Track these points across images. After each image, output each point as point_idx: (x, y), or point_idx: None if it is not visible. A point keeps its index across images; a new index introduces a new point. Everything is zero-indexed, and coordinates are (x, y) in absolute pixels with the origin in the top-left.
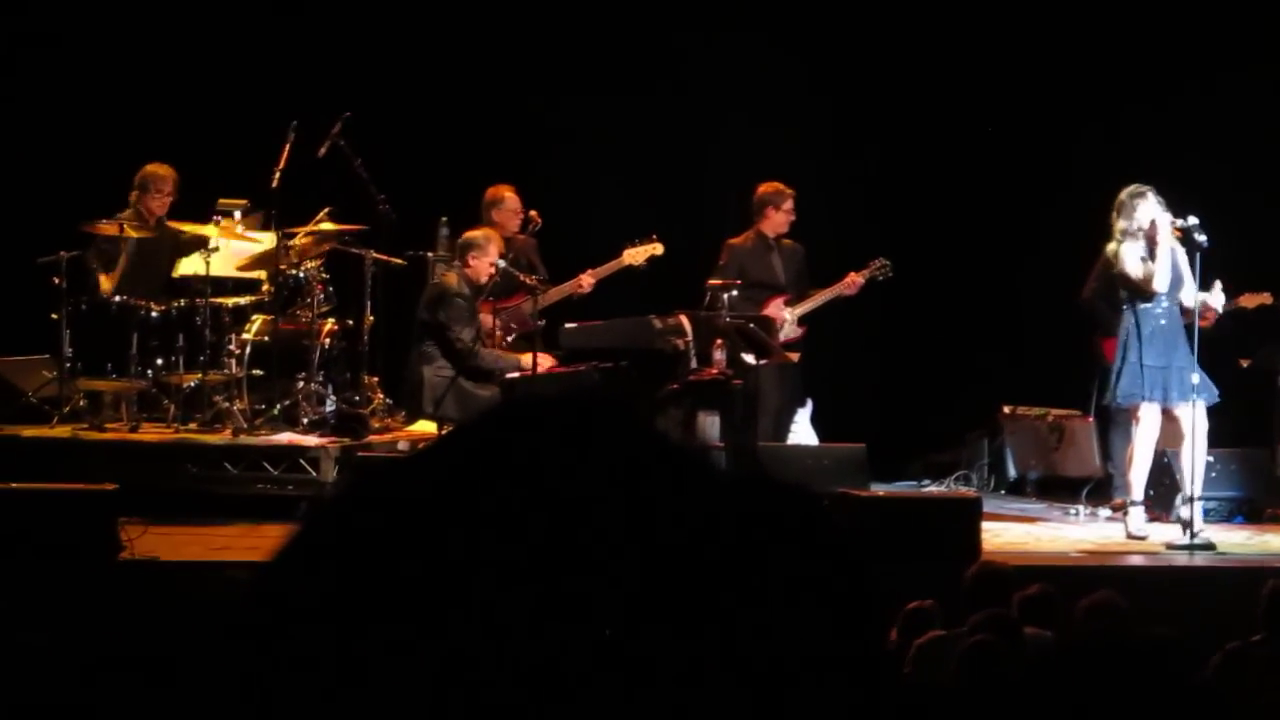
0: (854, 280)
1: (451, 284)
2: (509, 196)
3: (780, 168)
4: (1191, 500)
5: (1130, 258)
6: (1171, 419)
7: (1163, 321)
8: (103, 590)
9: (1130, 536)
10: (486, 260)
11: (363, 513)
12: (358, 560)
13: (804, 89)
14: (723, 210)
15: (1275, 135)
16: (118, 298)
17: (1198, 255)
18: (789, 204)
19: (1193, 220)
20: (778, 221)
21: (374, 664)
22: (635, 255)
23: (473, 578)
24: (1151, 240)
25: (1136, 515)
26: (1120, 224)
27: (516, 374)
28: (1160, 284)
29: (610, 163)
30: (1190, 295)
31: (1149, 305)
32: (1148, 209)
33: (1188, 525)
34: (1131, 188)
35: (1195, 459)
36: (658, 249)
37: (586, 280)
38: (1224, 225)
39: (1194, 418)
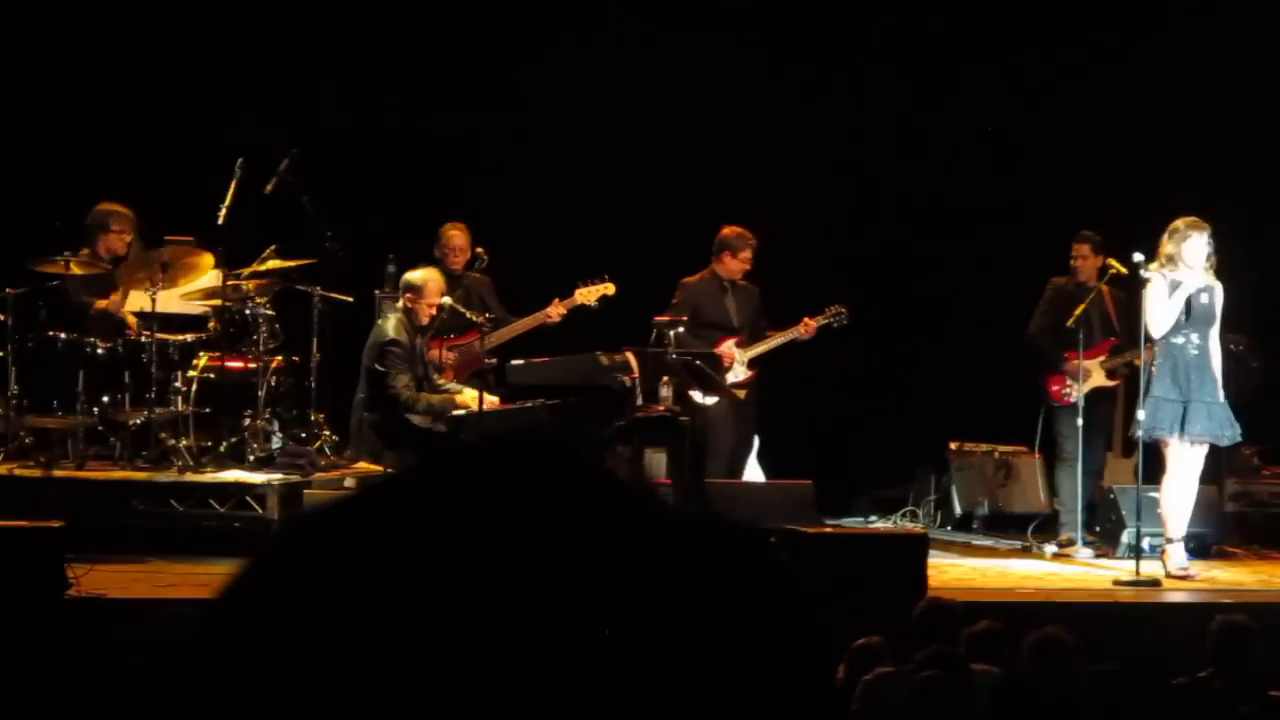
0: (808, 325)
1: (386, 331)
2: (452, 234)
3: (735, 209)
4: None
5: (1154, 293)
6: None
7: (1193, 353)
8: (49, 628)
9: (1170, 575)
10: (425, 302)
11: (308, 552)
12: (302, 599)
13: (761, 131)
14: (674, 248)
15: (1222, 170)
16: (64, 335)
17: (1143, 292)
18: (747, 253)
19: (1138, 257)
20: (732, 267)
21: (316, 703)
22: (587, 295)
23: (417, 619)
24: (1174, 281)
25: (1176, 553)
26: (1167, 249)
27: (463, 411)
28: (1156, 331)
29: (563, 199)
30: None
31: (1177, 340)
32: (1191, 246)
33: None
34: (1191, 219)
35: (1185, 496)
36: (609, 289)
37: (555, 310)
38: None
39: (1164, 453)
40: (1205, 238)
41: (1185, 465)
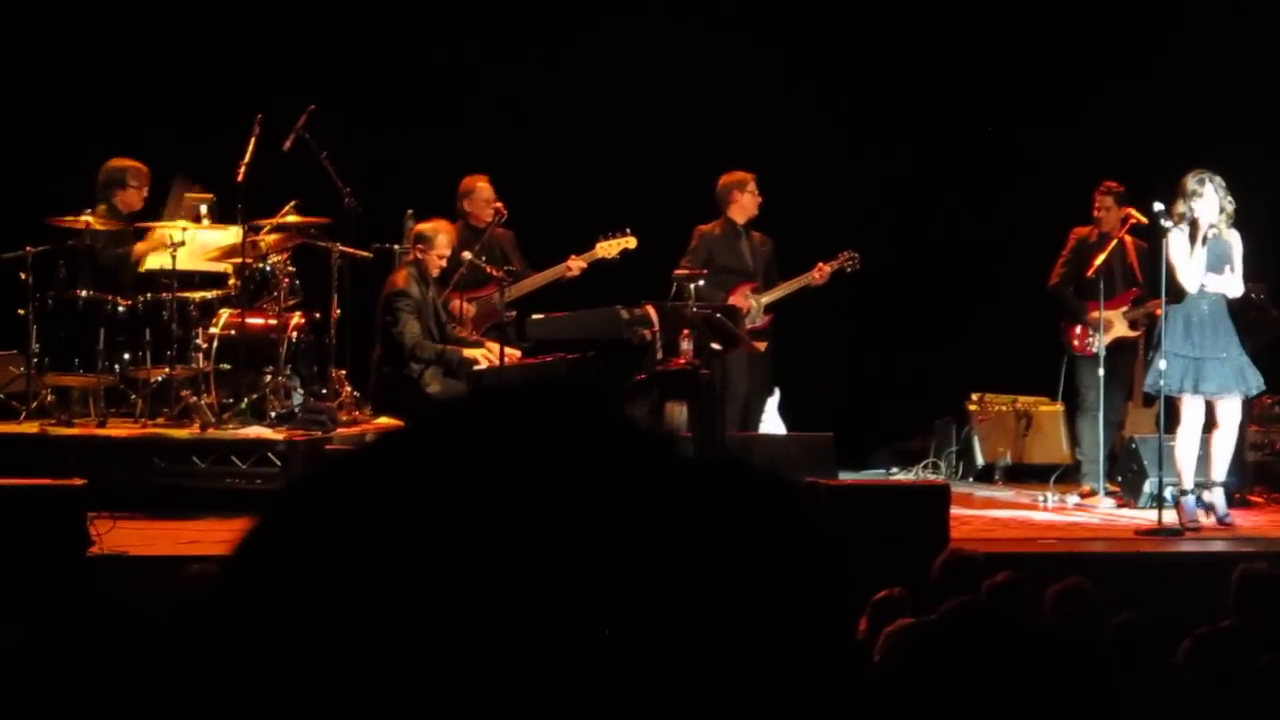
0: (822, 270)
1: (397, 284)
2: (481, 186)
3: (750, 157)
4: (1204, 487)
5: (1175, 248)
6: (1209, 407)
7: (1204, 308)
8: (72, 585)
9: (1183, 526)
10: (434, 253)
11: (325, 503)
12: (319, 552)
13: (776, 79)
14: (691, 201)
15: (1234, 122)
16: (84, 293)
17: (1163, 243)
18: (752, 186)
19: (1158, 207)
20: (746, 205)
21: (336, 657)
22: (608, 248)
23: (438, 568)
24: (1193, 235)
25: (1186, 504)
26: (1179, 208)
27: (484, 366)
28: (1190, 285)
29: (581, 152)
30: (1235, 285)
31: (1191, 294)
32: (1202, 201)
33: (1210, 509)
34: (1195, 173)
35: (1223, 448)
36: (630, 242)
37: (576, 264)
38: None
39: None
40: (1214, 188)
41: (1195, 421)
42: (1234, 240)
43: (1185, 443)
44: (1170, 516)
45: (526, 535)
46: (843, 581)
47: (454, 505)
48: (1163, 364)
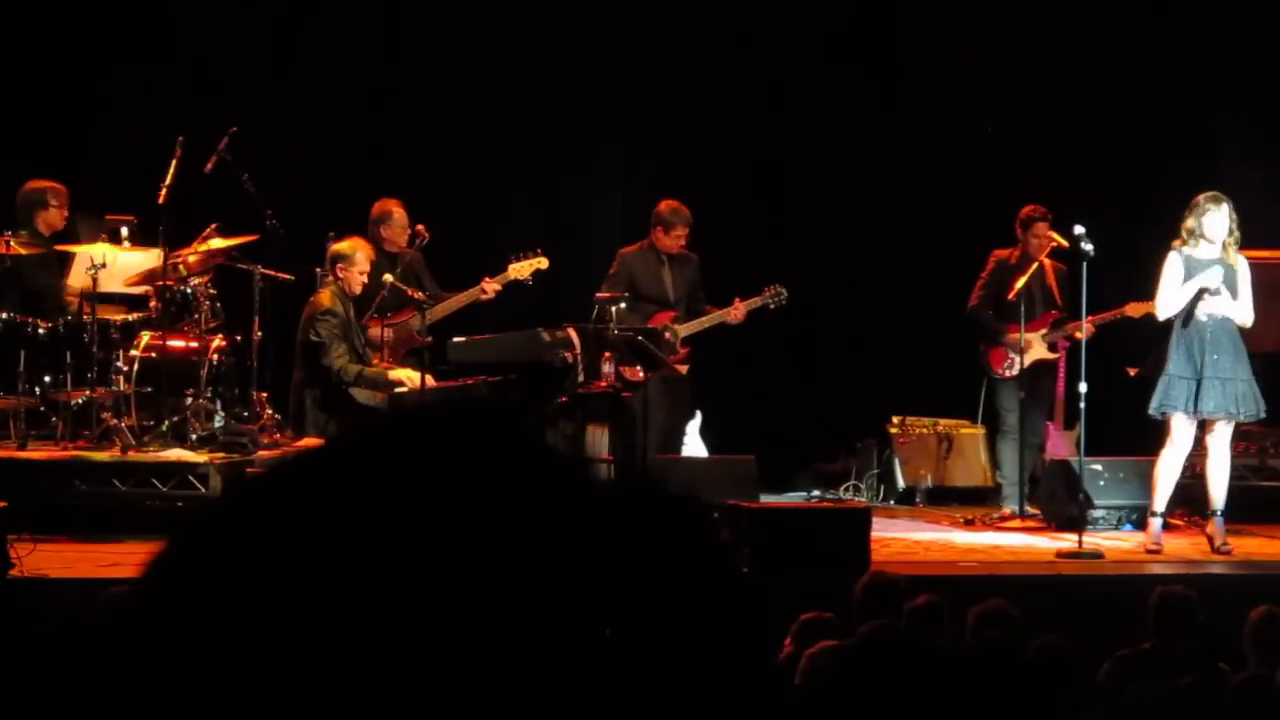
0: (738, 307)
1: (322, 303)
2: (397, 211)
3: (674, 183)
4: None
5: (1169, 270)
6: (1206, 430)
7: (1207, 333)
8: None
9: (1149, 551)
10: (355, 270)
11: (238, 523)
12: (231, 572)
13: (694, 101)
14: (611, 222)
15: (1158, 137)
16: (5, 315)
17: (1084, 265)
18: (680, 229)
19: (1079, 230)
20: (665, 244)
21: (246, 677)
22: (520, 269)
23: (350, 588)
24: (1190, 258)
25: (1155, 526)
26: (1188, 223)
27: (404, 388)
28: (1160, 312)
29: (496, 174)
30: (1243, 311)
31: (1196, 315)
32: (1210, 217)
33: (1211, 540)
34: (1211, 193)
35: (1220, 475)
36: (542, 263)
37: (490, 286)
38: (1109, 232)
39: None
40: (1225, 211)
41: (1181, 444)
42: (1241, 267)
43: (1169, 463)
44: (1091, 539)
45: (440, 555)
46: (753, 603)
47: (367, 526)
48: (1157, 387)
